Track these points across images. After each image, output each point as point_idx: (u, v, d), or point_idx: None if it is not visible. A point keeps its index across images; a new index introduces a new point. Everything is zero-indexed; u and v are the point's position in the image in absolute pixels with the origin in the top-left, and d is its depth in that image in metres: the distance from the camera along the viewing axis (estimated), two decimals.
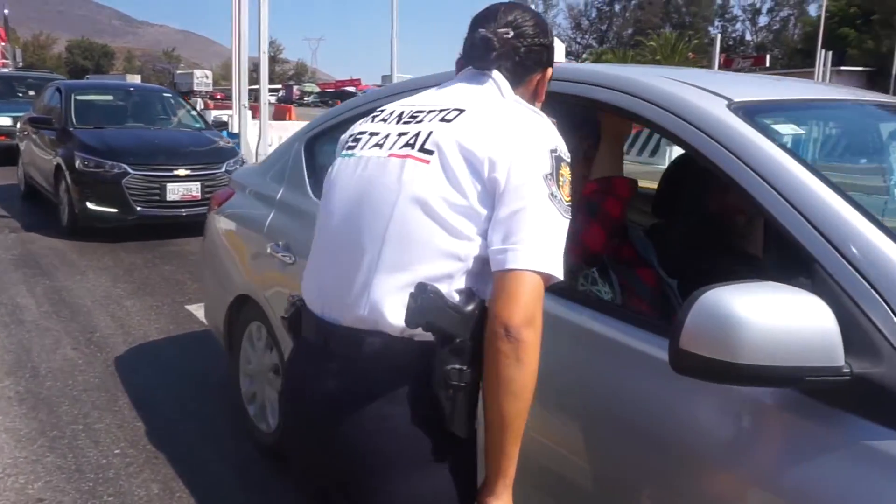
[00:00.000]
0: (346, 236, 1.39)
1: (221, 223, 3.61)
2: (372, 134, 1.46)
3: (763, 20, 71.77)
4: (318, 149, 3.14)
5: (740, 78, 2.45)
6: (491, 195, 1.29)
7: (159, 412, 3.65)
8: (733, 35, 69.54)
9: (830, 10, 54.16)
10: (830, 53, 30.23)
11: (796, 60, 57.81)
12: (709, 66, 31.93)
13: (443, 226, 1.30)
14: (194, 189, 7.66)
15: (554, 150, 1.32)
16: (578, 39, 72.63)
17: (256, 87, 12.79)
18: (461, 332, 1.28)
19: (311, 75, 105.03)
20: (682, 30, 59.16)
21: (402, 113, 1.47)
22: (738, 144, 1.59)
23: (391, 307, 1.31)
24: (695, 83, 1.84)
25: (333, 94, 59.94)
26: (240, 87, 11.39)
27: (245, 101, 11.18)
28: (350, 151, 1.47)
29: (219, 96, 50.16)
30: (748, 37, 72.97)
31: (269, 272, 3.02)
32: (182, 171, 7.62)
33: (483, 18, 1.50)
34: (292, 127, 16.83)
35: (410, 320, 1.27)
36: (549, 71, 1.56)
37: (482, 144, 1.30)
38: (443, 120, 1.37)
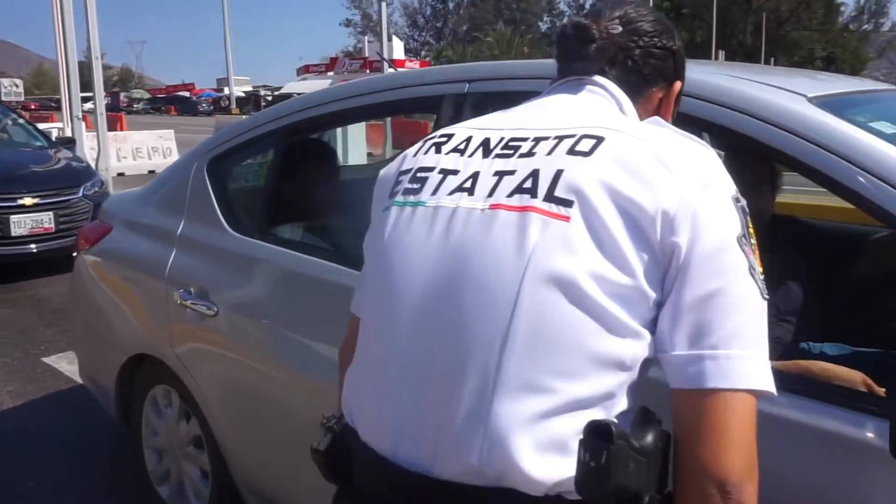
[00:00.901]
0: (433, 335, 0.93)
1: (98, 266, 2.96)
2: (445, 171, 1.00)
3: None
4: (226, 171, 2.59)
5: (788, 72, 2.17)
6: (662, 268, 0.89)
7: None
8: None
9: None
10: None
11: None
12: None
13: (599, 318, 0.87)
14: (46, 220, 6.48)
15: (737, 199, 0.92)
16: (416, 37, 73.10)
17: (82, 94, 11.50)
18: (647, 485, 0.86)
19: (137, 81, 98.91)
20: (515, 25, 60.96)
21: (489, 140, 1.02)
22: (849, 147, 1.31)
23: (527, 451, 0.86)
24: (761, 80, 1.54)
25: (165, 99, 56.88)
26: (70, 95, 10.18)
27: (79, 111, 10.01)
28: (413, 198, 1.00)
29: (33, 107, 46.04)
30: None
31: (179, 326, 2.45)
32: (28, 200, 6.41)
33: (584, 18, 1.10)
34: (129, 138, 15.56)
35: (589, 487, 0.82)
36: (678, 86, 1.15)
37: (648, 192, 0.88)
38: (573, 152, 0.93)
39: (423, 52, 64.05)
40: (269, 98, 49.32)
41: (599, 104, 1.05)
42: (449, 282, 0.92)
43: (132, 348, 2.71)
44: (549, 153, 0.94)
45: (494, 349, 0.87)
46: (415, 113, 2.96)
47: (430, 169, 1.02)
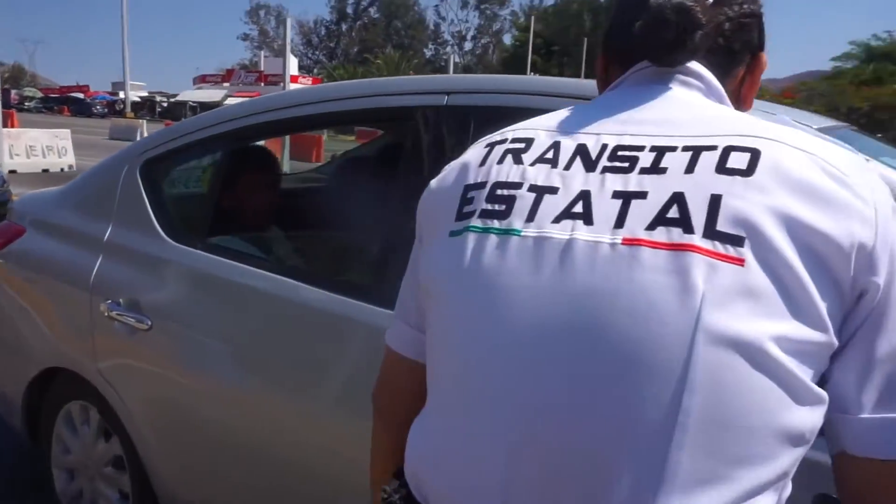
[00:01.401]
0: (562, 410, 0.66)
1: (7, 270, 2.52)
2: (539, 189, 0.72)
3: (468, 45, 76.32)
4: (162, 175, 2.25)
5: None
6: (844, 310, 0.66)
7: None
8: (444, 57, 73.20)
9: (519, 40, 59.44)
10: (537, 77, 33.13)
11: None
12: None
13: (787, 386, 0.64)
14: None
15: None
16: (309, 55, 71.75)
17: None
18: None
19: (29, 80, 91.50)
20: (403, 50, 61.01)
21: (586, 148, 0.73)
22: None
23: None
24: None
25: (58, 100, 52.98)
26: None
27: None
28: (499, 223, 0.72)
29: None
30: (456, 59, 77.45)
31: (104, 339, 2.09)
32: None
33: None
34: (23, 135, 14.21)
35: None
36: (764, 58, 0.84)
37: (836, 221, 0.64)
38: (726, 171, 0.66)
39: (315, 70, 63.04)
40: (165, 104, 47.10)
41: (698, 99, 0.77)
42: (578, 341, 0.65)
43: (45, 361, 2.32)
44: (689, 170, 0.68)
45: (658, 435, 0.62)
46: (386, 124, 2.67)
47: (516, 185, 0.73)
